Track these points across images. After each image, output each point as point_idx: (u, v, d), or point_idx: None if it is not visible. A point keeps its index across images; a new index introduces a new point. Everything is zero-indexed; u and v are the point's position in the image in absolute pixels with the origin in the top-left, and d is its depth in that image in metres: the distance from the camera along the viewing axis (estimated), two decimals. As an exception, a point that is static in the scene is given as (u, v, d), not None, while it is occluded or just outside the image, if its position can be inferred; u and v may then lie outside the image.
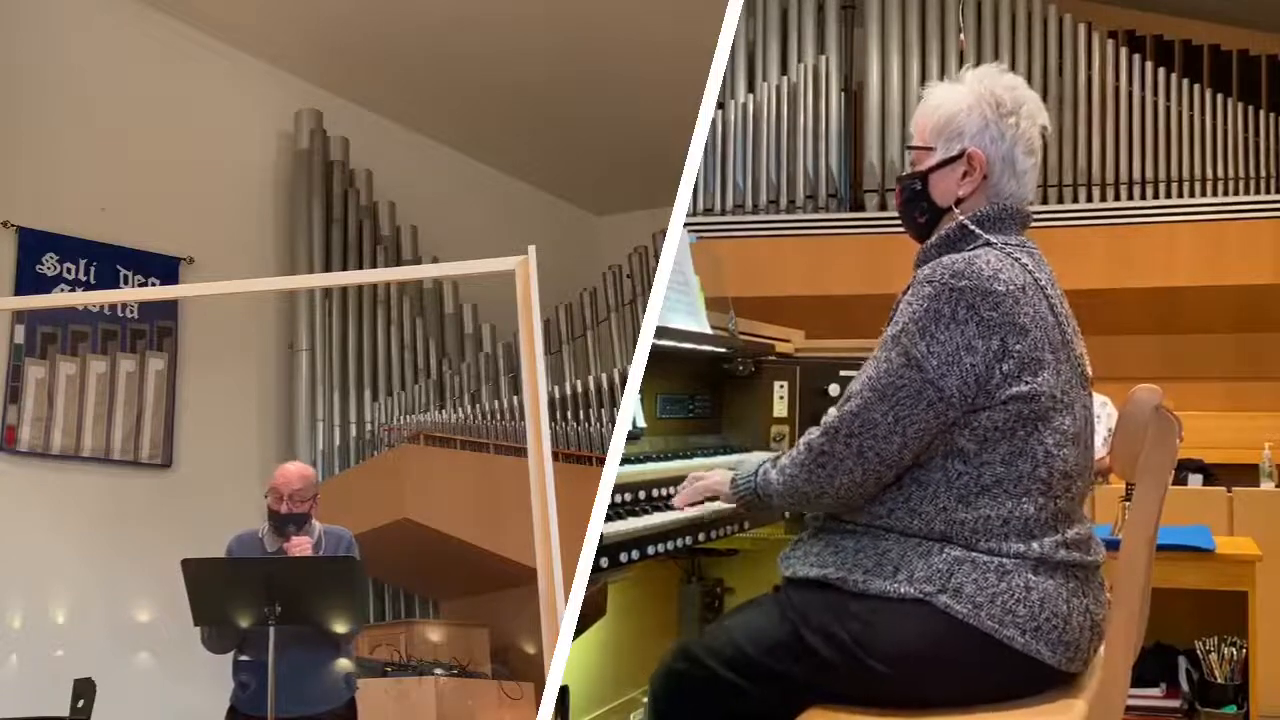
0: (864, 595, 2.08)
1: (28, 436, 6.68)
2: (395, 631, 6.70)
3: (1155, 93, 7.27)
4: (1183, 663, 4.78)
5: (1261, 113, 7.18)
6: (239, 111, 7.58)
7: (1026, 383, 2.07)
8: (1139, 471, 2.16)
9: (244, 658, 3.97)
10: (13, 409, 6.66)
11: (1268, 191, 7.06)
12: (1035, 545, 2.07)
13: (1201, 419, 6.24)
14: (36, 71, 6.78)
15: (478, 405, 7.13)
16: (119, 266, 7.05)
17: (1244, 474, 6.03)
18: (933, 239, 2.25)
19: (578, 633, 2.51)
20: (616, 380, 6.77)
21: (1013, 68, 2.67)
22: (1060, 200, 7.27)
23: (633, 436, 2.79)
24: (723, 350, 3.38)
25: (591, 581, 2.30)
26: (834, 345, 3.80)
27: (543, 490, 3.21)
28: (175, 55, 7.29)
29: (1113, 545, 2.27)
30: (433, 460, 6.91)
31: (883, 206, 7.32)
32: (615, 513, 2.43)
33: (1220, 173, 7.12)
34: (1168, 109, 7.25)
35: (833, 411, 2.17)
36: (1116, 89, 7.32)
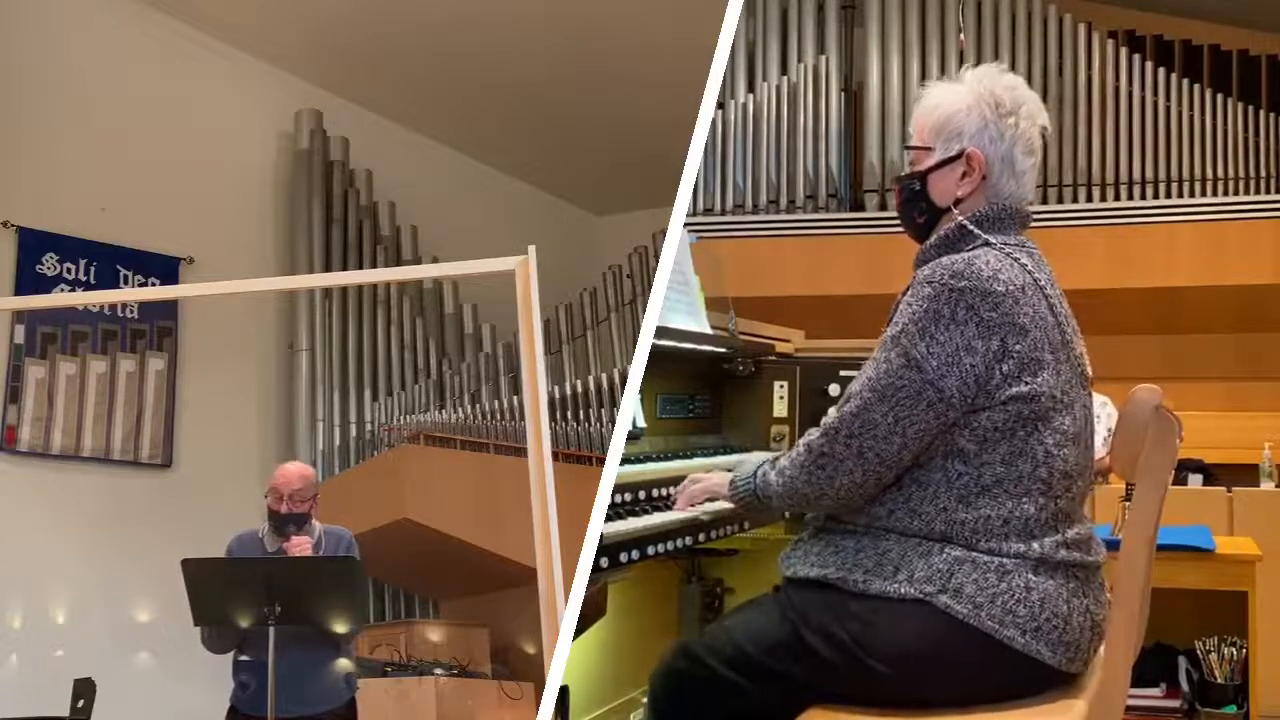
0: (864, 595, 2.08)
1: (28, 436, 6.68)
2: (395, 631, 6.70)
3: (1155, 93, 7.27)
4: (1183, 663, 4.78)
5: (1261, 113, 7.18)
6: (239, 111, 7.58)
7: (1026, 383, 2.07)
8: (1139, 471, 2.16)
9: (244, 658, 3.97)
10: (13, 409, 6.66)
11: (1268, 191, 7.06)
12: (1036, 545, 2.07)
13: (1201, 419, 6.24)
14: (36, 71, 6.78)
15: (478, 405, 7.13)
16: (119, 266, 7.05)
17: (1244, 474, 6.03)
18: (932, 239, 2.25)
19: (578, 633, 2.51)
20: (616, 380, 6.77)
21: (1013, 68, 2.67)
22: (1060, 200, 7.27)
23: (633, 436, 2.79)
24: (723, 350, 3.38)
25: (591, 581, 2.30)
26: (834, 345, 3.80)
27: (543, 490, 3.21)
28: (175, 55, 7.29)
29: (1113, 545, 2.27)
30: (433, 460, 6.91)
31: (883, 206, 7.32)
32: (615, 513, 2.43)
33: (1220, 173, 7.12)
34: (1168, 109, 7.25)
35: (832, 412, 2.18)
36: (1116, 89, 7.32)
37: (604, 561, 2.26)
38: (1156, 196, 7.19)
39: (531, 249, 3.38)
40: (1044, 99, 2.32)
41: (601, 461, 5.13)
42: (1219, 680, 4.56)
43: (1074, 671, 2.12)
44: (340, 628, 3.84)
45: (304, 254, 7.62)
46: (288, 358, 7.61)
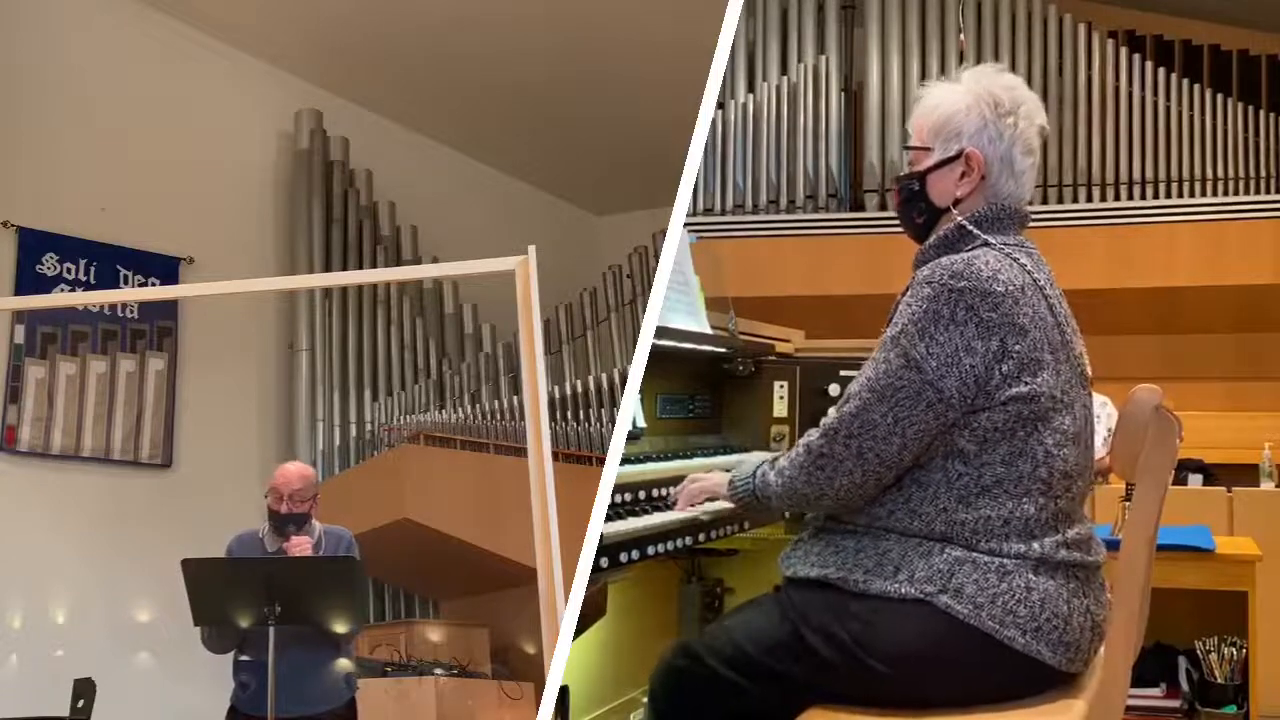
0: (864, 595, 2.08)
1: (28, 436, 6.68)
2: (395, 631, 6.70)
3: (1155, 93, 7.27)
4: (1183, 663, 4.78)
5: (1261, 113, 7.18)
6: (239, 111, 7.58)
7: (1026, 383, 2.07)
8: (1139, 471, 2.16)
9: (244, 658, 3.97)
10: (13, 409, 6.66)
11: (1268, 191, 7.06)
12: (1036, 545, 2.07)
13: (1201, 419, 6.24)
14: (36, 71, 6.78)
15: (478, 405, 7.13)
16: (119, 266, 7.05)
17: (1244, 474, 6.03)
18: (931, 240, 2.25)
19: (578, 633, 2.51)
20: (616, 380, 6.77)
21: (1013, 68, 2.68)
22: (1060, 200, 7.27)
23: (633, 436, 2.79)
24: (723, 350, 3.38)
25: (591, 581, 2.30)
26: (834, 345, 3.80)
27: (543, 490, 3.21)
28: (175, 55, 7.29)
29: (1113, 545, 2.27)
30: (433, 460, 6.91)
31: (883, 206, 7.32)
32: (615, 513, 2.43)
33: (1220, 173, 7.12)
34: (1168, 109, 7.25)
35: (832, 413, 2.17)
36: (1116, 89, 7.32)
37: (604, 561, 2.26)
38: (1156, 196, 7.19)
39: (531, 249, 3.38)
40: (1044, 99, 2.33)
41: (601, 461, 5.13)
42: (1219, 680, 4.56)
43: (1074, 672, 2.12)
44: (340, 628, 3.84)
45: (304, 254, 7.62)
46: (288, 358, 7.61)
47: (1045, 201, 7.19)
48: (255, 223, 7.68)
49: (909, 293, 2.14)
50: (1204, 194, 7.12)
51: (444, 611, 7.58)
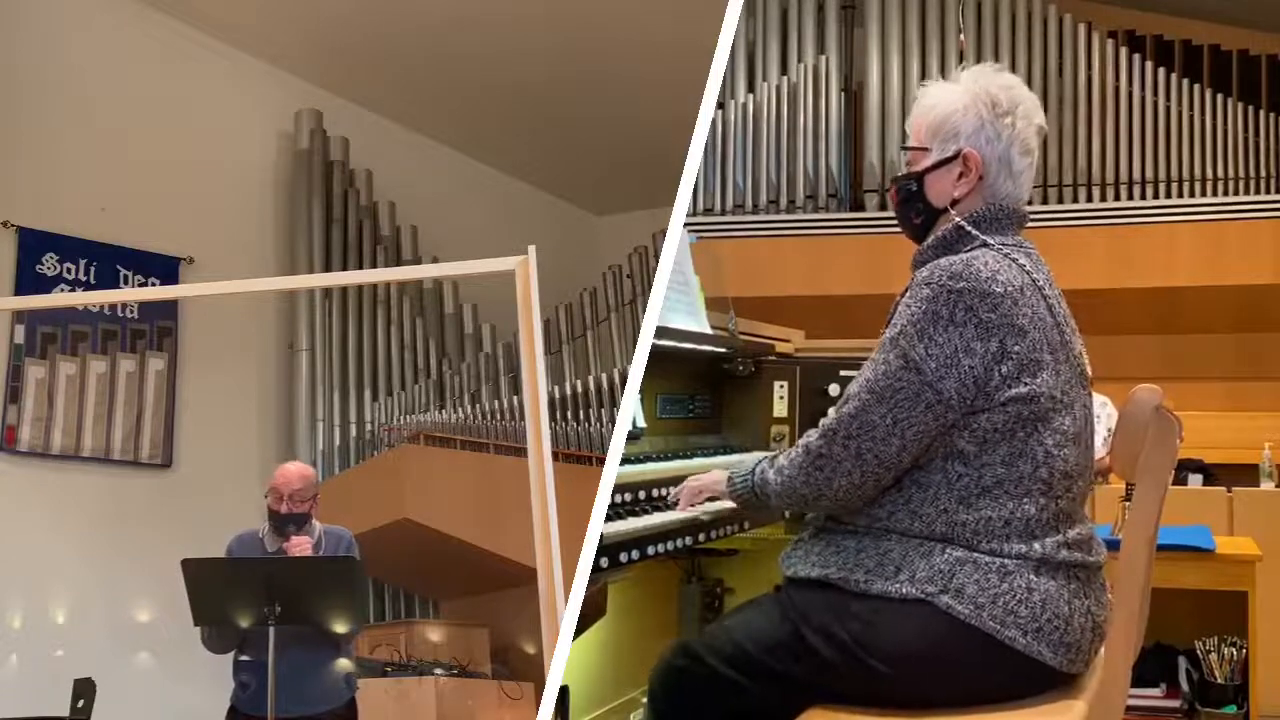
0: (865, 595, 2.08)
1: (28, 436, 6.68)
2: (395, 631, 6.69)
3: (1155, 93, 7.27)
4: (1183, 663, 4.78)
5: (1261, 113, 7.19)
6: (239, 111, 7.58)
7: (1025, 384, 2.07)
8: (1139, 471, 2.16)
9: (244, 658, 3.97)
10: (13, 409, 6.66)
11: (1268, 191, 7.06)
12: (1037, 546, 2.07)
13: (1201, 419, 6.24)
14: (36, 71, 6.78)
15: (478, 405, 7.13)
16: (119, 266, 7.05)
17: (1244, 474, 6.03)
18: (929, 240, 2.25)
19: (578, 633, 2.51)
20: (616, 380, 6.77)
21: (1013, 68, 2.68)
22: (1060, 200, 7.27)
23: (633, 436, 2.79)
24: (723, 350, 3.38)
25: (591, 581, 2.30)
26: (834, 345, 3.80)
27: (543, 490, 3.21)
28: (175, 55, 7.29)
29: (1113, 545, 2.27)
30: (433, 460, 6.91)
31: (882, 206, 7.32)
32: (615, 513, 2.43)
33: (1220, 173, 7.12)
34: (1168, 109, 7.25)
35: (831, 413, 2.17)
36: (1116, 89, 7.32)
37: (604, 561, 2.26)
38: (1156, 196, 7.19)
39: (531, 249, 3.38)
40: (1044, 99, 2.33)
41: (601, 461, 5.13)
42: (1219, 680, 4.55)
43: (1075, 672, 2.12)
44: (340, 628, 3.84)
45: (304, 254, 7.62)
46: (288, 358, 7.61)
47: (1045, 201, 7.19)
48: (255, 223, 7.68)
49: (908, 294, 2.14)
50: (1204, 194, 7.12)
51: (444, 611, 7.58)
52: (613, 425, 4.57)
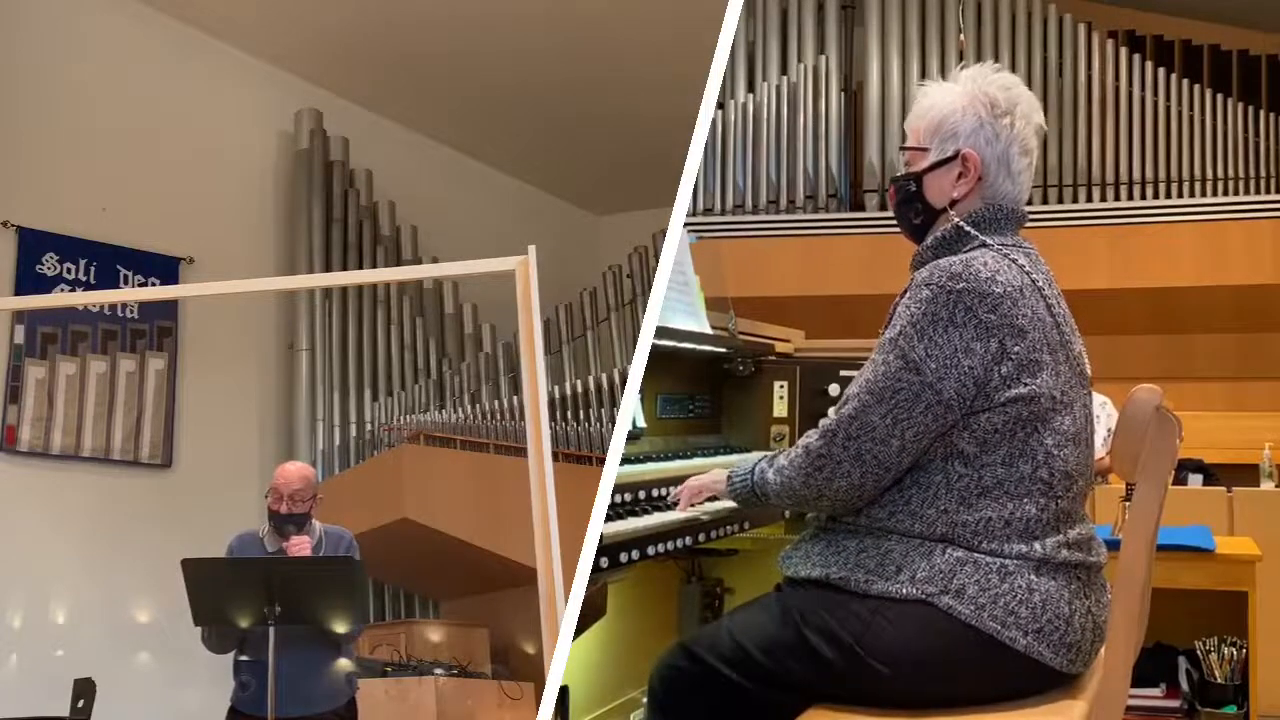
0: (866, 595, 2.08)
1: (28, 436, 6.68)
2: (395, 631, 6.69)
3: (1155, 93, 7.28)
4: (1183, 663, 4.77)
5: (1261, 113, 7.19)
6: (239, 111, 7.58)
7: (1025, 384, 2.07)
8: (1139, 471, 2.16)
9: (244, 658, 3.97)
10: (13, 409, 6.65)
11: (1268, 191, 7.06)
12: (1038, 546, 2.07)
13: (1201, 419, 6.24)
14: (36, 71, 6.78)
15: (478, 405, 7.13)
16: (119, 266, 7.04)
17: (1244, 474, 6.02)
18: (928, 241, 2.25)
19: (578, 633, 2.51)
20: (616, 380, 6.77)
21: (1012, 68, 2.68)
22: (1060, 200, 7.27)
23: (633, 436, 2.79)
24: (723, 350, 3.38)
25: (591, 581, 2.30)
26: (834, 345, 3.80)
27: (543, 490, 3.21)
28: (175, 55, 7.29)
29: (1113, 545, 2.27)
30: (433, 460, 6.91)
31: (882, 206, 7.33)
32: (615, 513, 2.43)
33: (1220, 173, 7.13)
34: (1168, 109, 7.25)
35: (831, 414, 2.17)
36: (1116, 89, 7.33)
37: (604, 561, 2.26)
38: (1156, 196, 7.19)
39: (531, 249, 3.38)
40: (1044, 99, 2.33)
41: (601, 461, 5.13)
42: (1219, 680, 4.55)
43: (1075, 672, 2.12)
44: (340, 628, 3.84)
45: (304, 254, 7.62)
46: (288, 358, 7.61)
47: (1045, 201, 7.19)
48: (255, 223, 7.68)
49: (907, 294, 2.14)
50: (1204, 194, 7.13)
51: (444, 611, 7.58)
52: (613, 425, 4.57)
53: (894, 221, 2.35)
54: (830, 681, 2.09)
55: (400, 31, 7.23)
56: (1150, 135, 7.24)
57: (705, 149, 7.30)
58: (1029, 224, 2.29)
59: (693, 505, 2.54)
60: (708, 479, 2.50)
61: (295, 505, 3.98)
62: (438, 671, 6.07)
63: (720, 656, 2.16)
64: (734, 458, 3.07)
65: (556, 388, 6.95)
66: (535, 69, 7.45)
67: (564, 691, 2.86)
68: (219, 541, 4.12)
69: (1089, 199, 7.26)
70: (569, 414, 6.80)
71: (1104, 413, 5.23)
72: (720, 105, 7.58)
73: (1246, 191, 7.09)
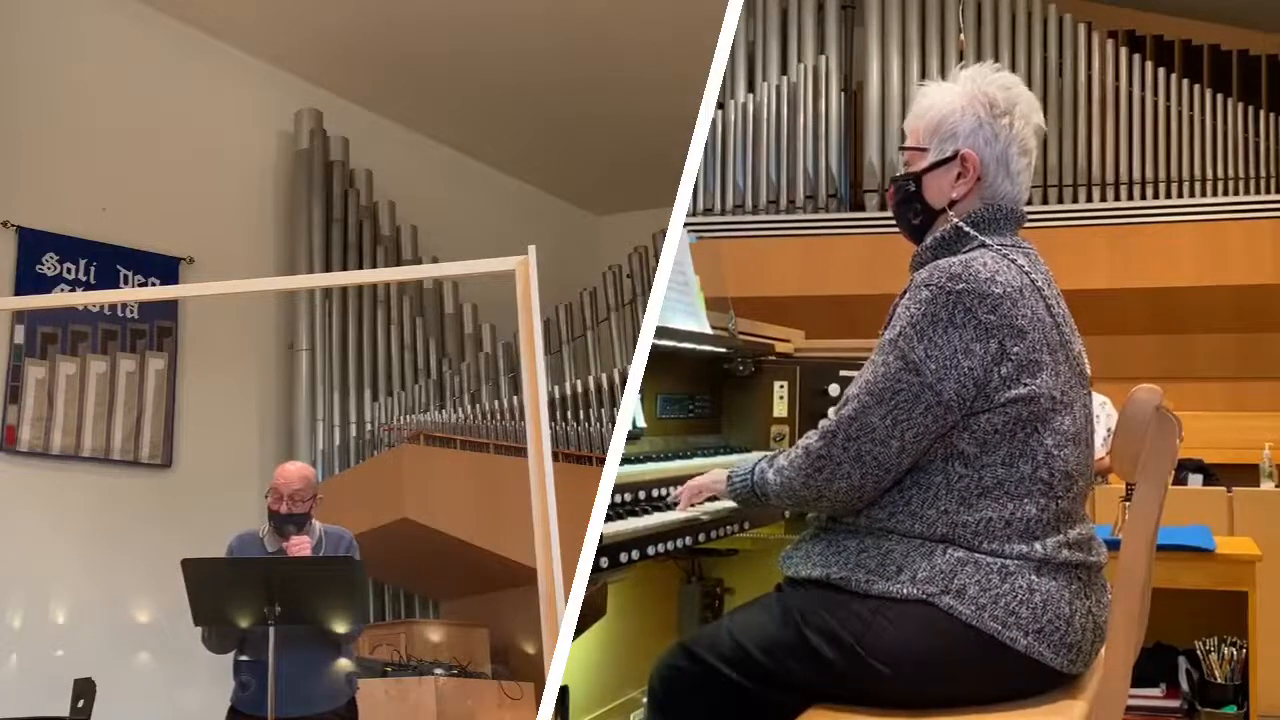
0: (867, 596, 2.08)
1: (28, 436, 6.68)
2: (395, 631, 6.69)
3: (1155, 93, 7.28)
4: (1183, 663, 4.77)
5: (1261, 113, 7.19)
6: (239, 111, 7.58)
7: (1025, 385, 2.07)
8: (1139, 471, 2.16)
9: (244, 658, 3.97)
10: (13, 409, 6.65)
11: (1268, 191, 7.06)
12: (1038, 546, 2.07)
13: (1201, 419, 6.24)
14: (36, 71, 6.78)
15: (478, 405, 7.13)
16: (119, 266, 7.04)
17: (1244, 474, 6.02)
18: (928, 241, 2.25)
19: (578, 633, 2.51)
20: (616, 380, 6.77)
21: (1012, 68, 2.68)
22: (1060, 200, 7.27)
23: (633, 436, 2.79)
24: (723, 350, 3.38)
25: (591, 581, 2.30)
26: (834, 345, 3.80)
27: (543, 490, 3.21)
28: (175, 55, 7.29)
29: (1113, 545, 2.27)
30: (433, 460, 6.91)
31: (882, 206, 7.33)
32: (615, 513, 2.43)
33: (1220, 173, 7.13)
34: (1168, 109, 7.25)
35: (831, 414, 2.17)
36: (1116, 89, 7.33)
37: (604, 561, 2.26)
38: (1156, 196, 7.19)
39: (531, 249, 3.38)
40: (1044, 99, 2.33)
41: (601, 461, 5.13)
42: (1219, 680, 4.55)
43: (1076, 673, 2.12)
44: (340, 628, 3.84)
45: (304, 254, 7.62)
46: (288, 358, 7.61)
47: (1046, 201, 7.19)
48: (255, 223, 7.68)
49: (907, 295, 2.14)
50: (1204, 194, 7.13)
51: (444, 611, 7.58)
52: (613, 425, 4.57)
53: (894, 221, 2.35)
54: (831, 681, 2.09)
55: (400, 31, 7.23)
56: (1150, 135, 7.25)
57: (705, 149, 7.30)
58: (1029, 224, 2.29)
59: (693, 505, 2.54)
60: (707, 479, 2.50)
61: (295, 505, 3.98)
62: (438, 671, 6.07)
63: (720, 656, 2.16)
64: (734, 458, 3.07)
65: (556, 388, 6.95)
66: (535, 69, 7.45)
67: (564, 691, 2.86)
68: (219, 541, 4.12)
69: (1089, 199, 7.26)
70: (569, 414, 6.80)
71: (1104, 413, 5.23)
72: (720, 105, 7.58)
73: (1246, 191, 7.10)
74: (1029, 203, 2.29)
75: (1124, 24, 7.63)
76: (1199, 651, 4.60)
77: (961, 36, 7.46)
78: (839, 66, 7.69)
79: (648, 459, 2.88)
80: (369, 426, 7.53)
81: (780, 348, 3.70)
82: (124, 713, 5.93)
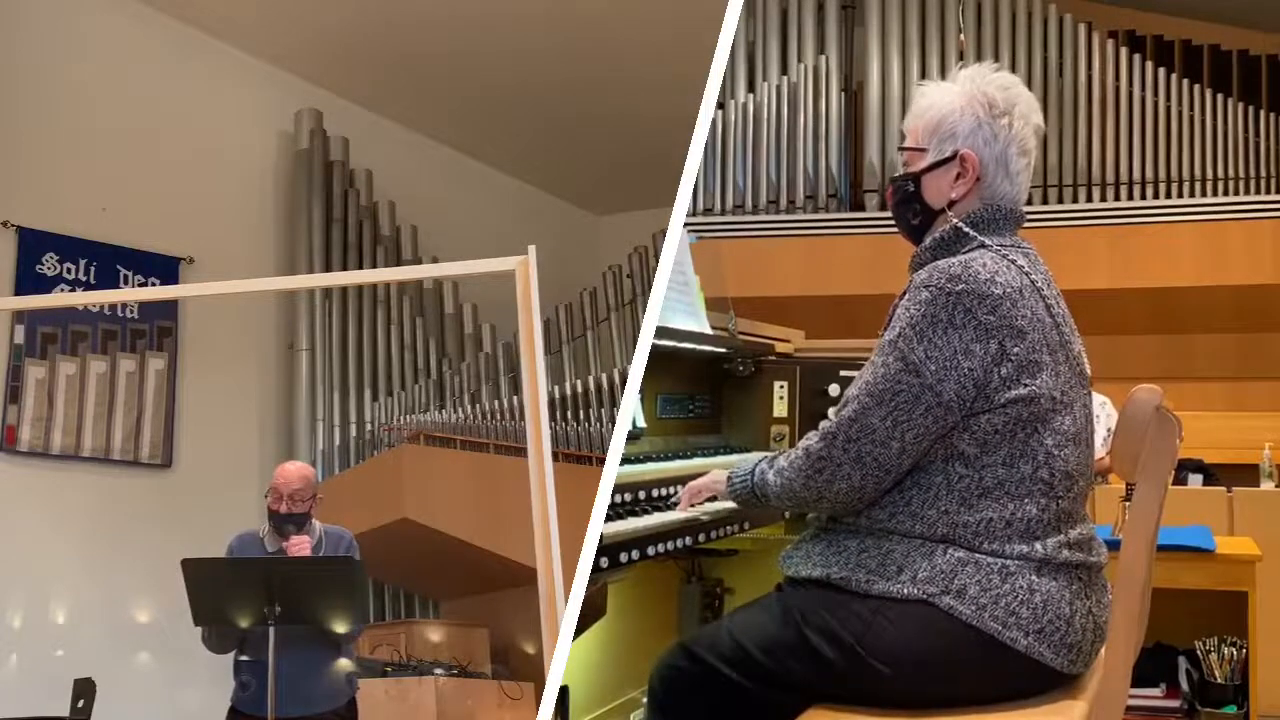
0: (867, 596, 2.08)
1: (28, 436, 6.68)
2: (395, 631, 6.69)
3: (1155, 93, 7.28)
4: (1183, 663, 4.77)
5: (1261, 113, 7.19)
6: (239, 111, 7.58)
7: (1025, 385, 2.07)
8: (1139, 471, 2.16)
9: (245, 658, 3.97)
10: (13, 409, 6.65)
11: (1268, 191, 7.07)
12: (1039, 546, 2.07)
13: (1201, 419, 6.24)
14: (36, 71, 6.78)
15: (478, 405, 7.13)
16: (119, 266, 7.04)
17: (1244, 474, 6.03)
18: (927, 241, 2.24)
19: (578, 633, 2.51)
20: (616, 380, 6.77)
21: (1012, 68, 2.69)
22: (1060, 200, 7.27)
23: (633, 436, 2.79)
24: (723, 350, 3.38)
25: (591, 581, 2.30)
26: (834, 345, 3.80)
27: (543, 490, 3.21)
28: (175, 55, 7.29)
29: (1113, 545, 2.27)
30: (433, 460, 6.91)
31: (882, 206, 7.33)
32: (615, 513, 2.43)
33: (1220, 173, 7.13)
34: (1168, 109, 7.25)
35: (831, 415, 2.17)
36: (1116, 89, 7.33)
37: (604, 561, 2.26)
38: (1156, 196, 7.19)
39: (531, 249, 3.38)
40: (1044, 99, 2.33)
41: (601, 461, 5.13)
42: (1219, 680, 4.55)
43: (1076, 673, 2.12)
44: (340, 628, 3.84)
45: (304, 254, 7.62)
46: (288, 358, 7.61)
47: (1046, 201, 7.19)
48: (255, 223, 7.68)
49: (906, 296, 2.14)
50: (1204, 194, 7.13)
51: (444, 611, 7.58)
52: (613, 425, 4.57)
53: (893, 222, 2.35)
54: (831, 681, 2.09)
55: (400, 31, 7.23)
56: (1150, 135, 7.25)
57: (705, 149, 7.30)
58: (1028, 224, 2.29)
59: (693, 506, 2.54)
60: (707, 480, 2.50)
61: (295, 505, 3.98)
62: (438, 671, 6.07)
63: (720, 656, 2.16)
64: (734, 458, 3.07)
65: (556, 388, 6.95)
66: (535, 69, 7.45)
67: (564, 691, 2.86)
68: (219, 541, 4.12)
69: (1089, 199, 7.26)
70: (569, 414, 6.80)
71: (1104, 413, 5.23)
72: (720, 105, 7.58)
73: (1246, 191, 7.10)
74: (1029, 203, 2.29)
75: (1124, 24, 7.64)
76: (1199, 651, 4.60)
77: (961, 36, 7.47)
78: (839, 66, 7.69)
79: (648, 459, 2.88)
80: (369, 426, 7.53)
81: (780, 348, 3.69)
82: (124, 713, 5.93)
